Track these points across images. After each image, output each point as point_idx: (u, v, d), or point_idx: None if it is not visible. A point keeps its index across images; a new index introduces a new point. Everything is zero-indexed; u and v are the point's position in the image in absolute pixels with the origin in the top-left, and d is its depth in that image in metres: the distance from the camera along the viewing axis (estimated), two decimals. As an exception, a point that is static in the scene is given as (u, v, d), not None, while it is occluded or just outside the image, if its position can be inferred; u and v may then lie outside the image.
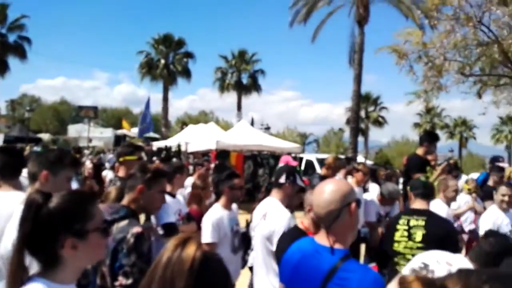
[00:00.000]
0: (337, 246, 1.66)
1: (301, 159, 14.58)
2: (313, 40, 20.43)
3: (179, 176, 3.87)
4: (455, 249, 2.52)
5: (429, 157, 5.29)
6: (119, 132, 32.72)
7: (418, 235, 3.05)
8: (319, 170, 11.60)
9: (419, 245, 3.02)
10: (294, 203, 3.18)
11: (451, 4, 12.50)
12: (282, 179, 3.06)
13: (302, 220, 2.64)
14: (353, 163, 6.41)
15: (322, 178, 4.96)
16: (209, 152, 13.16)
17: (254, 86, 33.56)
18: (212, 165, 9.14)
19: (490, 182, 6.52)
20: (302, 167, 14.27)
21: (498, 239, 2.21)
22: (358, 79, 16.07)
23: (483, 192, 6.46)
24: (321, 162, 11.59)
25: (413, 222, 3.11)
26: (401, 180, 6.13)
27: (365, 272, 1.60)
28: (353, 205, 1.69)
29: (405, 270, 2.32)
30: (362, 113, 36.78)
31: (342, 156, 15.21)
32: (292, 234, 2.47)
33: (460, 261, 2.27)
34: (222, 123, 42.89)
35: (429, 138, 5.27)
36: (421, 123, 41.60)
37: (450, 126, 43.05)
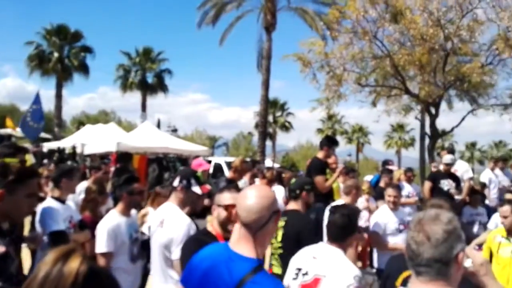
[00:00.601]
0: (253, 255, 1.62)
1: (209, 162, 14.58)
2: (221, 43, 20.52)
3: (66, 181, 3.54)
4: (312, 240, 2.77)
5: (331, 160, 5.71)
6: (3, 131, 29.14)
7: (279, 235, 3.36)
8: (228, 173, 11.71)
9: (279, 244, 3.35)
10: (198, 208, 3.15)
11: (350, 18, 13.71)
12: (175, 183, 3.01)
13: (212, 222, 2.59)
14: (258, 165, 6.61)
15: (229, 181, 5.03)
16: (109, 154, 12.42)
17: (160, 86, 32.54)
18: (112, 169, 8.65)
19: (382, 183, 7.26)
20: (211, 171, 14.29)
21: (342, 211, 2.50)
22: (266, 85, 16.64)
23: (376, 193, 7.15)
24: (230, 165, 11.71)
25: (279, 224, 3.37)
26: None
27: (274, 286, 1.59)
28: (280, 213, 1.71)
29: (286, 281, 2.48)
30: (270, 118, 38.17)
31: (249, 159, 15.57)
32: (200, 239, 2.40)
33: (322, 249, 2.49)
34: (125, 124, 40.88)
35: (328, 142, 5.67)
36: (324, 128, 44.67)
37: (348, 132, 47.00)
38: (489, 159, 12.95)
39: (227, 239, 1.83)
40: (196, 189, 2.99)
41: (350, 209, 2.67)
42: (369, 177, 8.96)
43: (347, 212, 2.56)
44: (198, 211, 3.17)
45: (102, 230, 3.13)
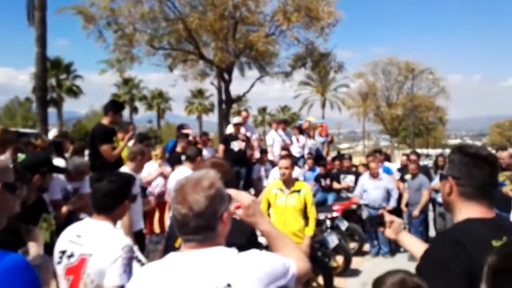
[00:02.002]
0: None
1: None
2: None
3: None
4: None
5: (130, 128, 5.55)
6: None
7: None
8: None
9: None
10: None
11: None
12: None
13: None
14: (30, 137, 5.80)
15: (-13, 156, 4.23)
16: None
17: None
18: None
19: (179, 148, 7.50)
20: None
21: (110, 178, 2.42)
22: (42, 41, 14.44)
23: (173, 158, 7.34)
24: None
25: None
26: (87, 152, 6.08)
27: None
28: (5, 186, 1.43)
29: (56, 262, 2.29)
30: (53, 81, 34.09)
31: (30, 130, 13.64)
32: None
33: (88, 225, 2.37)
34: None
35: (114, 107, 5.41)
36: (120, 94, 42.87)
37: (148, 97, 46.48)
38: (272, 121, 14.99)
39: None
40: None
41: (119, 175, 2.56)
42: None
43: (116, 178, 2.44)
44: None
45: None
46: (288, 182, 4.64)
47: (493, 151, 8.42)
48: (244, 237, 1.96)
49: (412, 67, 40.33)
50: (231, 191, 1.54)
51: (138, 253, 3.54)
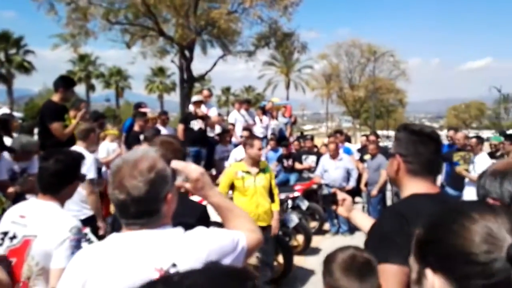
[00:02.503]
0: None
1: None
2: None
3: None
4: None
5: (82, 106, 5.35)
6: None
7: None
8: None
9: None
10: None
11: None
12: None
13: None
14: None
15: None
16: None
17: None
18: None
19: (136, 127, 7.33)
20: None
21: (57, 157, 2.32)
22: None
23: (131, 137, 7.18)
24: None
25: None
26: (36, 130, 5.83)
27: None
28: None
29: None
30: (2, 56, 32.27)
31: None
32: None
33: (33, 205, 2.29)
34: None
35: (64, 83, 5.19)
36: (75, 71, 41.20)
37: (105, 75, 44.92)
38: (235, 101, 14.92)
39: None
40: None
41: (67, 154, 2.45)
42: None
43: (63, 157, 2.34)
44: None
45: None
46: (255, 163, 4.66)
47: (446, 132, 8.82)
48: (195, 216, 1.95)
49: (374, 49, 41.17)
50: (178, 164, 1.46)
51: (90, 235, 3.46)
